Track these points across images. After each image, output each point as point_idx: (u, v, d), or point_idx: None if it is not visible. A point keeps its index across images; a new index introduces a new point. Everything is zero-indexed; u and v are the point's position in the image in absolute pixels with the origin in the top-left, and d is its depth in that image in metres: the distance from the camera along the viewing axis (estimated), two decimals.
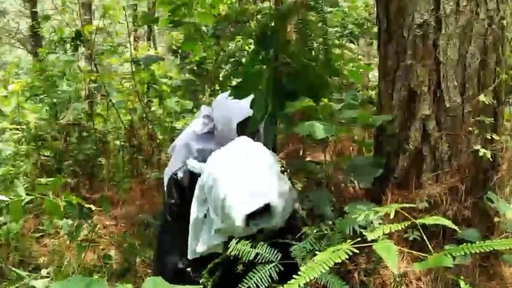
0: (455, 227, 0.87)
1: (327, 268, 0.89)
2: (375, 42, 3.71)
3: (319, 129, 1.46)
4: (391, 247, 0.84)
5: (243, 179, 1.36)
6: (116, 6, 3.12)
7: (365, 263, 1.51)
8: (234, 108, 1.82)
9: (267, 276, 1.25)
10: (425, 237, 0.92)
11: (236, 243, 1.32)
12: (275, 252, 1.31)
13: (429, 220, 0.89)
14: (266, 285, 1.23)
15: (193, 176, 1.55)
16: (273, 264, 1.28)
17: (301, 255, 1.32)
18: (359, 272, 1.49)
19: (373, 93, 3.20)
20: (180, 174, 1.58)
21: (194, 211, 1.44)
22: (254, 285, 1.22)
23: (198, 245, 1.40)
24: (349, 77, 3.05)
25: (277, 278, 1.25)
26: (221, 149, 1.51)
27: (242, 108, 1.78)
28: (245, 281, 1.24)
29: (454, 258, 1.02)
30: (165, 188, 1.60)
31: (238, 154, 1.45)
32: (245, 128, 1.73)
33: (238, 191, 1.34)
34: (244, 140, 1.54)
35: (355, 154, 2.43)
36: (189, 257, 1.44)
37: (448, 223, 0.87)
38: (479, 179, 1.57)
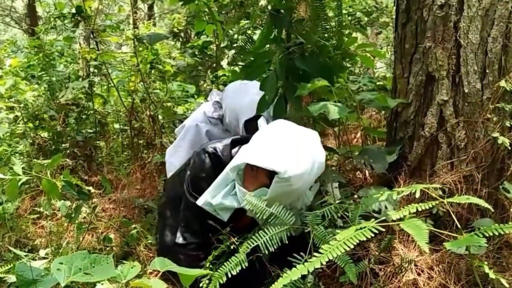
0: (489, 206, 0.82)
1: (351, 247, 0.84)
2: (383, 32, 3.65)
3: (333, 110, 1.41)
4: (421, 225, 0.79)
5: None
6: None
7: (375, 250, 1.47)
8: (243, 105, 1.85)
9: (277, 238, 1.18)
10: (454, 217, 0.86)
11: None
12: (289, 216, 1.24)
13: (460, 199, 0.84)
14: (275, 247, 1.17)
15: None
16: (286, 227, 1.21)
17: (315, 221, 1.25)
18: (370, 260, 1.44)
19: (380, 83, 3.14)
20: (220, 147, 1.49)
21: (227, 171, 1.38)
22: (264, 244, 1.16)
23: (215, 198, 1.35)
24: (357, 64, 2.99)
25: (286, 242, 1.19)
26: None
27: (251, 105, 1.77)
28: (255, 239, 1.17)
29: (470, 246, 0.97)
30: (192, 161, 1.52)
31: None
32: (250, 125, 1.70)
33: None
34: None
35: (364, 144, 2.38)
36: (199, 203, 1.38)
37: (481, 202, 0.82)
38: (495, 168, 1.53)
